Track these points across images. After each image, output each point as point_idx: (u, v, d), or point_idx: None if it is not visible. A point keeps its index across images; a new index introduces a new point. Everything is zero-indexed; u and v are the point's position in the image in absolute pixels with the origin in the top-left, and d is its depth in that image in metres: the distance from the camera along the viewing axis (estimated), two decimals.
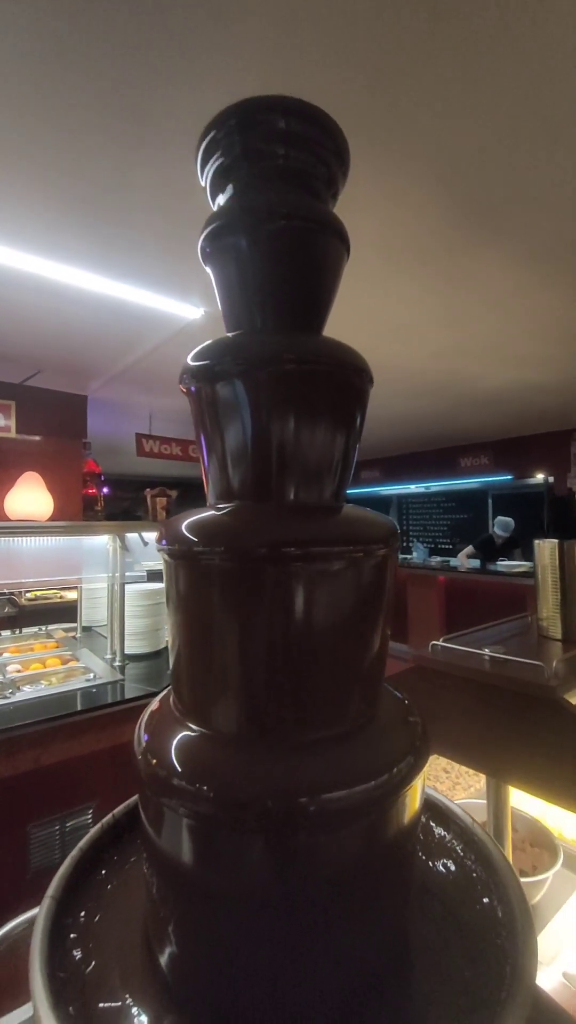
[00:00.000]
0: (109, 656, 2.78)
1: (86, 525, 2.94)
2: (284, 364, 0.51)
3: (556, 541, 0.97)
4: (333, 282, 0.57)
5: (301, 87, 1.32)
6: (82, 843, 0.61)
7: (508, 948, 0.47)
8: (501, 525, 6.01)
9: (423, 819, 0.67)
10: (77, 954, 0.49)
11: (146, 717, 0.55)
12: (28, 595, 4.61)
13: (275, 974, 0.44)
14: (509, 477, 6.63)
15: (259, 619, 0.48)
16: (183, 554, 0.51)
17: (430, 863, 0.61)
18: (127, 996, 0.45)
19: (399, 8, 1.13)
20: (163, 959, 0.48)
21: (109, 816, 0.66)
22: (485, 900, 0.54)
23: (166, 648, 3.06)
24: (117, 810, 0.67)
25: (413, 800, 0.49)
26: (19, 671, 2.61)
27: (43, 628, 3.63)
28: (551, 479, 5.96)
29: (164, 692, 0.59)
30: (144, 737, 0.51)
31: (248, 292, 0.56)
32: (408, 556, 7.06)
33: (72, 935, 0.51)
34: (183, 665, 0.52)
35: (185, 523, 0.52)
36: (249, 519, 0.52)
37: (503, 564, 5.81)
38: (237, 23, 1.16)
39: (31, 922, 0.82)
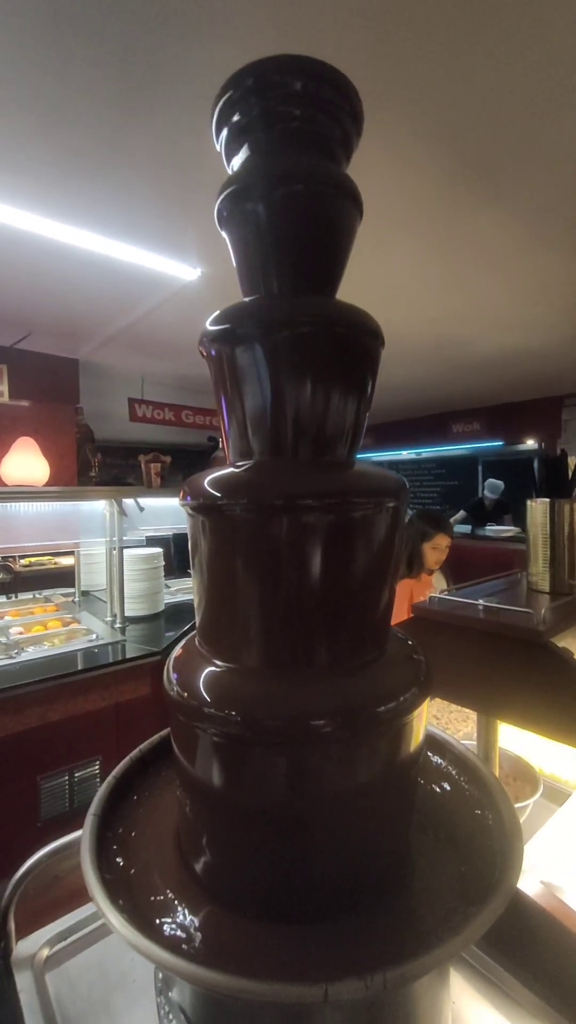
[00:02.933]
0: (109, 619, 2.84)
1: (84, 490, 2.95)
2: (301, 327, 0.54)
3: (548, 500, 1.02)
4: (347, 245, 0.59)
5: (308, 43, 1.28)
6: (115, 771, 0.67)
7: (497, 848, 0.54)
8: (490, 487, 6.19)
9: (428, 754, 0.74)
10: (120, 861, 0.55)
11: (172, 662, 0.60)
12: (23, 561, 4.65)
13: (292, 871, 0.51)
14: (500, 443, 6.69)
15: (277, 564, 0.52)
16: (207, 508, 0.55)
17: (431, 785, 0.68)
18: (168, 891, 0.51)
19: None
20: (196, 863, 0.54)
21: (136, 751, 0.72)
22: (477, 812, 0.61)
23: (165, 610, 3.14)
24: (143, 745, 0.73)
25: (416, 727, 0.55)
26: (21, 633, 2.67)
27: (40, 593, 3.67)
28: (541, 444, 6.04)
29: (186, 640, 0.64)
30: (174, 676, 0.56)
31: (265, 256, 0.57)
32: None
33: (114, 846, 0.57)
34: (209, 609, 0.57)
35: (207, 479, 0.56)
36: (267, 474, 0.55)
37: (492, 529, 5.93)
38: None
39: (56, 851, 0.90)
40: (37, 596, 3.59)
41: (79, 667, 2.27)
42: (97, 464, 3.47)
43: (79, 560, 3.43)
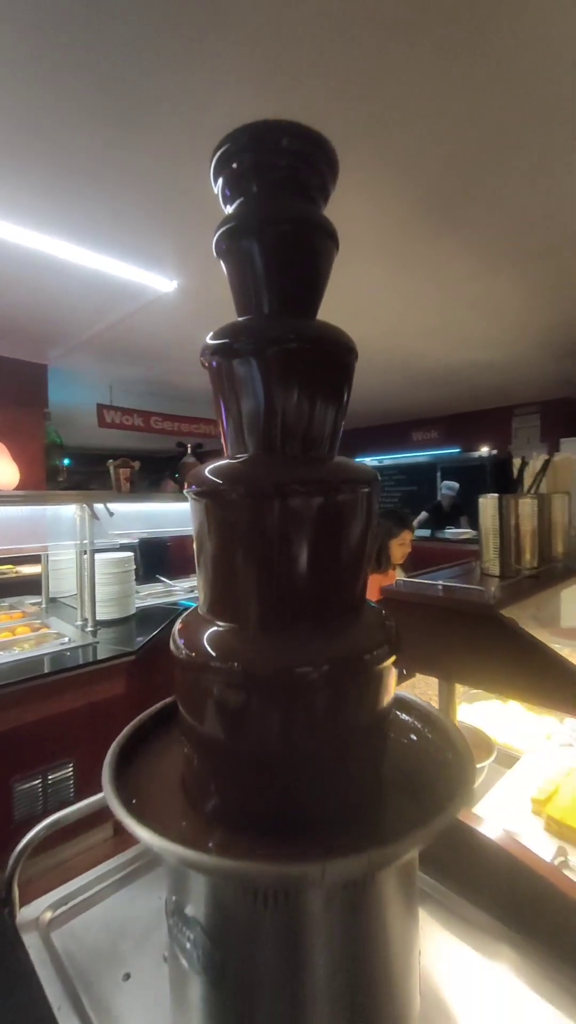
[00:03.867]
0: (80, 623, 2.85)
1: (54, 494, 2.96)
2: (289, 343, 0.65)
3: (497, 495, 1.16)
4: (326, 274, 0.70)
5: (288, 85, 1.42)
6: (119, 738, 0.74)
7: (455, 775, 0.66)
8: (447, 487, 6.60)
9: (397, 712, 0.85)
10: (134, 801, 0.63)
11: (176, 632, 0.68)
12: None
13: (286, 798, 0.60)
14: (457, 450, 7.02)
15: (269, 540, 0.62)
16: (209, 493, 0.64)
17: (401, 734, 0.79)
18: (182, 822, 0.60)
19: (374, 24, 1.25)
20: (203, 803, 0.63)
21: (136, 720, 0.80)
22: (439, 751, 0.73)
23: (136, 614, 3.16)
24: (143, 715, 0.81)
25: (387, 679, 0.65)
26: None
27: (3, 601, 3.61)
28: (494, 452, 6.41)
29: (186, 614, 0.73)
30: (181, 641, 0.65)
31: (257, 282, 0.68)
32: None
33: (123, 792, 0.64)
34: (212, 578, 0.66)
35: (208, 470, 0.66)
36: (260, 466, 0.66)
37: (450, 532, 6.22)
38: (233, 32, 1.24)
39: (54, 824, 0.97)
40: (1, 604, 3.54)
41: (54, 669, 2.29)
42: (65, 471, 3.46)
43: (47, 566, 3.41)
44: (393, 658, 0.65)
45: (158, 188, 1.88)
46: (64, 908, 0.89)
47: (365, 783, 0.65)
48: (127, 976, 0.76)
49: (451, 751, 0.71)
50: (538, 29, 1.30)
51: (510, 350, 4.05)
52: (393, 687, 0.68)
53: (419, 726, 0.81)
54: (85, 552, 2.84)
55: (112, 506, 3.05)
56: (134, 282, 2.55)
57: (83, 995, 0.73)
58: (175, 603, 3.54)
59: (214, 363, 0.67)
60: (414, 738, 0.79)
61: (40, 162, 1.73)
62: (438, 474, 7.55)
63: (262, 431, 0.66)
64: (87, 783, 2.30)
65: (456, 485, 6.60)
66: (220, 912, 0.58)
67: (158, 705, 0.84)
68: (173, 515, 3.83)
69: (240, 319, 0.68)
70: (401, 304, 3.09)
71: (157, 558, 4.75)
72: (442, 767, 0.70)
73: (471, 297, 2.98)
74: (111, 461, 3.49)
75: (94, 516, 2.79)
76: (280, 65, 1.35)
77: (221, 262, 0.70)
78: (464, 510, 6.53)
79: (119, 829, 2.33)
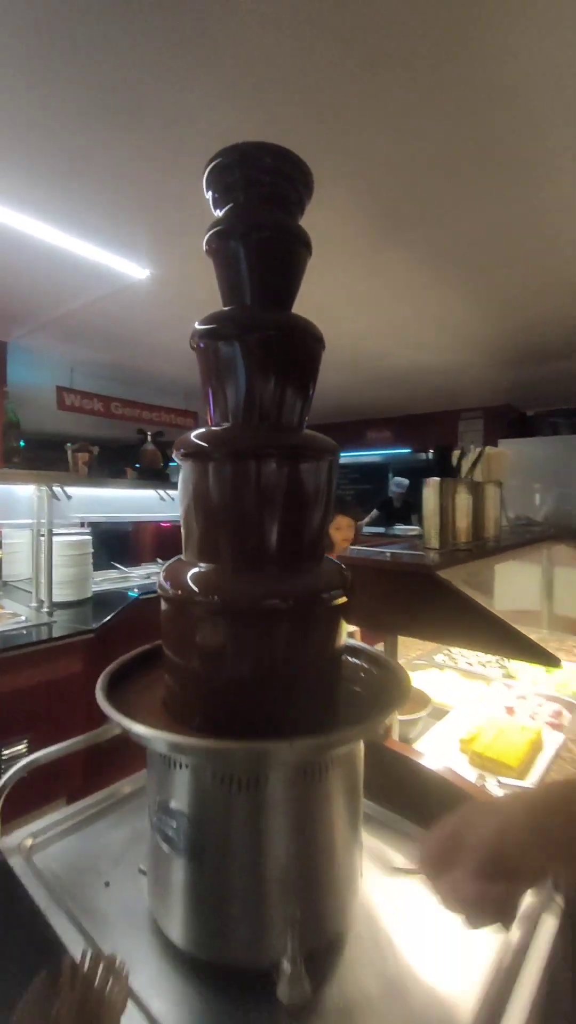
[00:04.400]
0: (35, 604, 2.84)
1: (12, 473, 2.93)
2: (267, 331, 0.77)
3: (438, 479, 1.33)
4: (300, 274, 0.83)
5: (266, 104, 1.55)
6: (110, 667, 0.84)
7: (395, 699, 0.80)
8: (396, 483, 6.87)
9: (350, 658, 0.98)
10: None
11: (162, 576, 0.79)
12: None
13: (260, 707, 0.72)
14: (408, 451, 7.35)
15: (246, 493, 0.74)
16: (196, 454, 0.75)
17: (354, 674, 0.92)
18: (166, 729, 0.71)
19: (344, 65, 1.39)
20: (189, 718, 0.74)
21: (121, 657, 0.90)
22: (382, 681, 0.87)
23: (92, 597, 3.17)
24: (126, 655, 0.91)
25: (341, 616, 0.79)
26: None
27: None
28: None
29: (170, 561, 0.83)
30: (167, 583, 0.76)
31: (240, 278, 0.79)
32: None
33: (114, 706, 0.74)
34: (196, 527, 0.77)
35: (194, 435, 0.77)
36: (240, 432, 0.77)
37: (400, 528, 6.50)
38: (219, 55, 1.35)
39: (31, 763, 1.05)
40: None
41: (7, 646, 2.29)
42: (22, 452, 3.40)
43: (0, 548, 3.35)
44: (345, 599, 0.79)
45: (139, 177, 1.95)
46: (43, 837, 0.98)
47: (322, 699, 0.78)
48: (107, 884, 0.86)
49: (392, 679, 0.85)
50: (479, 72, 1.48)
51: (458, 357, 4.34)
52: (345, 625, 0.81)
53: (367, 666, 0.95)
54: (42, 534, 2.84)
55: (70, 490, 3.05)
56: (107, 267, 2.58)
57: (68, 899, 0.82)
58: (131, 587, 3.58)
59: (202, 345, 0.78)
60: (362, 674, 0.93)
61: (15, 141, 1.76)
62: (390, 473, 7.87)
63: (242, 405, 0.78)
64: None
65: (406, 481, 6.89)
66: (200, 800, 0.69)
67: (137, 650, 0.94)
68: (131, 501, 3.85)
69: (225, 308, 0.80)
70: (359, 306, 3.27)
71: (112, 546, 4.74)
72: (383, 688, 0.84)
73: (421, 303, 3.21)
74: (69, 445, 3.47)
75: (53, 497, 2.80)
76: (262, 84, 1.47)
77: (210, 258, 0.81)
78: (415, 508, 6.85)
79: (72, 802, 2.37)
